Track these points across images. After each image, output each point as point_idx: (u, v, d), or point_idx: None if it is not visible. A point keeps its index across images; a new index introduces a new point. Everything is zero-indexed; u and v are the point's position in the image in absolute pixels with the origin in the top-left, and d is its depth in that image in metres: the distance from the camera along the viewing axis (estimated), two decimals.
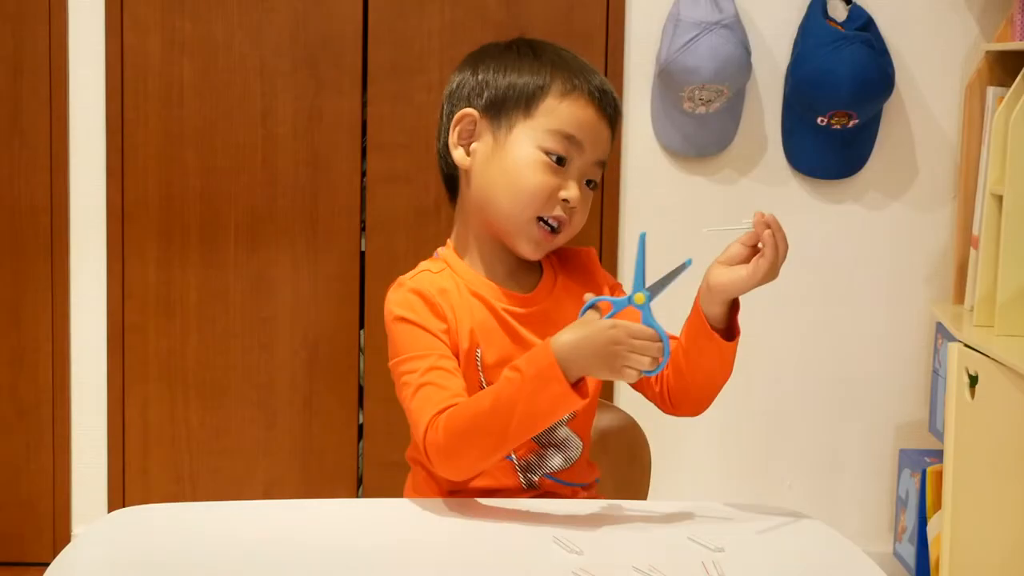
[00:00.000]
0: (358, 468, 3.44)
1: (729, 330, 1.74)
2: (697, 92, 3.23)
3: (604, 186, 3.32)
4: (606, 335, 1.61)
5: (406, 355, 1.77)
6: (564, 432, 1.81)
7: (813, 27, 3.27)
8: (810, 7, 3.30)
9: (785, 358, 3.45)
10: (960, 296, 3.25)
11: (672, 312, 1.82)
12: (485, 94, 1.83)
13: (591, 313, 1.64)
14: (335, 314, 3.39)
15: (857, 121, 3.29)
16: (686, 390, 1.79)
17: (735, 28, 3.22)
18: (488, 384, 1.76)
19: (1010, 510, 2.78)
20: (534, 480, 1.80)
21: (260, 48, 3.33)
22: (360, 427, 3.43)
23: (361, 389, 3.42)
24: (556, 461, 1.81)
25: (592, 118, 1.80)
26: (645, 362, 1.61)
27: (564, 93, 1.80)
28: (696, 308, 1.73)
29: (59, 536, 3.40)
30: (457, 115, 1.84)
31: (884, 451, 3.47)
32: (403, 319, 1.80)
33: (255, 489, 3.41)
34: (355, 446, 3.43)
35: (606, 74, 3.33)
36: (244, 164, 3.35)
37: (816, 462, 3.48)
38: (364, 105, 3.35)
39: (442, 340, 1.77)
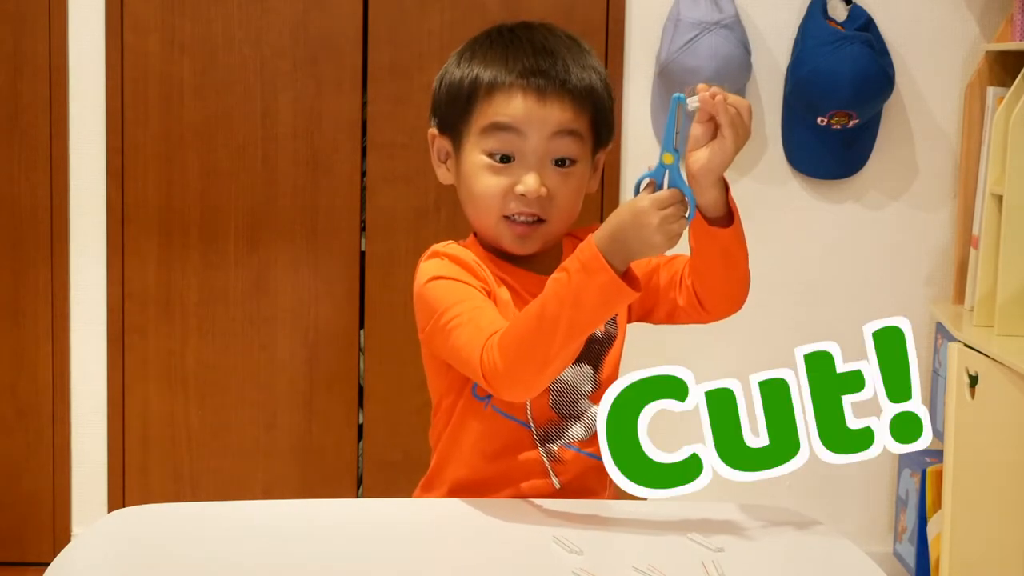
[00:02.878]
0: (358, 468, 3.44)
1: (729, 214, 1.73)
2: None
3: (604, 186, 3.32)
4: (634, 212, 1.59)
5: (444, 305, 1.73)
6: (585, 404, 1.80)
7: (813, 27, 3.27)
8: (810, 7, 3.30)
9: (784, 357, 3.45)
10: (960, 296, 3.25)
11: None
12: (437, 111, 1.84)
13: (641, 195, 1.62)
14: (335, 314, 3.39)
15: (857, 121, 3.29)
16: (712, 289, 1.82)
17: (735, 28, 3.22)
18: None
19: (1010, 510, 2.78)
20: (554, 450, 1.80)
21: (260, 48, 3.33)
22: (360, 427, 3.43)
23: (361, 389, 3.42)
24: (577, 431, 1.81)
25: (525, 104, 1.75)
26: (676, 226, 1.60)
27: (489, 89, 1.77)
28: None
29: (59, 536, 3.40)
30: (428, 135, 1.86)
31: (884, 451, 3.47)
32: (438, 277, 1.78)
33: (255, 489, 3.41)
34: (355, 446, 3.43)
35: None
36: (244, 164, 3.35)
37: (816, 462, 3.47)
38: (364, 105, 3.35)
39: (482, 293, 1.75)
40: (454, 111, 1.80)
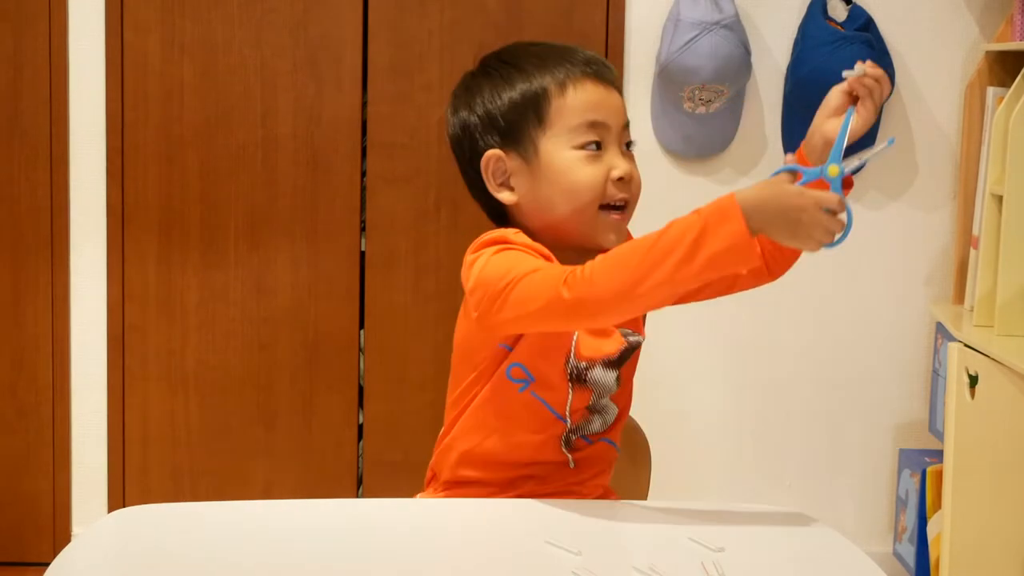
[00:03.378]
0: (358, 468, 3.44)
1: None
2: (697, 92, 3.23)
3: None
4: (795, 200, 1.60)
5: (509, 266, 1.71)
6: (605, 401, 1.83)
7: (813, 27, 3.27)
8: (810, 7, 3.30)
9: (785, 358, 3.45)
10: (960, 296, 3.25)
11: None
12: (495, 127, 1.83)
13: (782, 176, 1.64)
14: (335, 314, 3.39)
15: None
16: (783, 250, 1.87)
17: (735, 28, 3.22)
18: (576, 356, 1.78)
19: (1010, 510, 2.78)
20: (572, 440, 1.82)
21: (260, 48, 3.33)
22: (360, 427, 3.43)
23: (361, 389, 3.42)
24: (595, 425, 1.84)
25: (599, 93, 1.81)
26: (829, 234, 1.62)
27: (563, 87, 1.80)
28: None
29: (59, 536, 3.40)
30: (483, 162, 1.83)
31: (884, 451, 3.47)
32: (498, 245, 1.75)
33: (255, 489, 3.41)
34: (355, 446, 3.43)
35: None
36: (244, 164, 3.35)
37: (816, 462, 3.48)
38: (364, 105, 3.35)
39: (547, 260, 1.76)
40: (525, 124, 1.80)
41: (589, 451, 1.84)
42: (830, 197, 1.62)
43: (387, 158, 3.34)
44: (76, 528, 3.43)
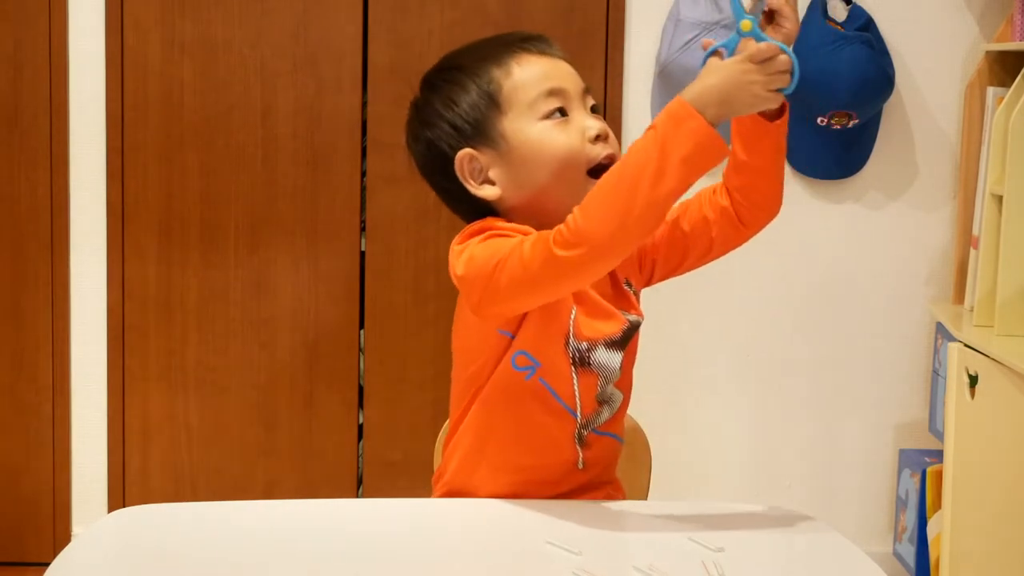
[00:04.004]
0: (358, 468, 3.44)
1: (778, 111, 1.77)
2: None
3: None
4: (735, 69, 1.61)
5: (498, 249, 1.70)
6: (611, 389, 1.82)
7: (813, 27, 3.27)
8: (810, 7, 3.30)
9: (785, 357, 3.45)
10: (960, 296, 3.25)
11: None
12: (459, 130, 1.83)
13: (712, 60, 1.64)
14: (335, 314, 3.39)
15: (857, 121, 3.29)
16: (761, 194, 1.82)
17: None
18: (576, 336, 1.76)
19: (1010, 510, 2.78)
20: (584, 435, 1.81)
21: (260, 48, 3.33)
22: (360, 427, 3.43)
23: (361, 389, 3.42)
24: (604, 414, 1.82)
25: (545, 63, 1.81)
26: (781, 80, 1.63)
27: (509, 69, 1.80)
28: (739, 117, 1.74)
29: (59, 536, 3.40)
30: (456, 165, 1.82)
31: (884, 451, 3.47)
32: (484, 233, 1.75)
33: (255, 489, 3.41)
34: (355, 446, 3.43)
35: (606, 74, 3.34)
36: (244, 164, 3.35)
37: (816, 462, 3.48)
38: (364, 105, 3.35)
39: None
40: (486, 115, 1.80)
41: (597, 447, 1.82)
42: (759, 49, 1.62)
43: (387, 158, 3.34)
44: (76, 528, 3.43)
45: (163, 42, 3.32)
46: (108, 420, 3.40)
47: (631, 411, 2.11)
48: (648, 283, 1.92)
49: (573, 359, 1.77)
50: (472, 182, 1.82)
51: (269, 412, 3.41)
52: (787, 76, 1.63)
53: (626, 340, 1.81)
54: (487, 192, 1.81)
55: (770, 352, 3.45)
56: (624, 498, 1.90)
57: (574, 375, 1.77)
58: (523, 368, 1.77)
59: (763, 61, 1.62)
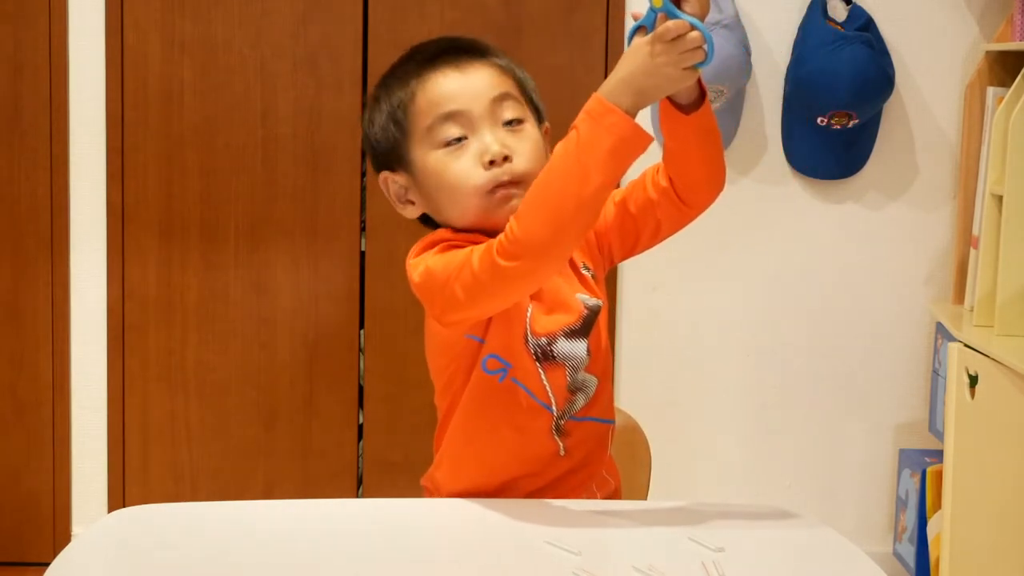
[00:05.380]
0: (358, 468, 3.44)
1: (700, 96, 1.74)
2: None
3: None
4: (644, 53, 1.60)
5: (451, 261, 1.71)
6: (582, 376, 1.81)
7: (813, 27, 3.27)
8: (810, 7, 3.30)
9: (785, 358, 3.45)
10: (960, 296, 3.25)
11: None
12: (376, 152, 1.84)
13: (634, 41, 1.62)
14: (335, 314, 3.39)
15: (857, 121, 3.29)
16: (694, 178, 1.80)
17: (735, 28, 3.22)
18: (533, 333, 1.77)
19: (1010, 510, 2.78)
20: (561, 424, 1.81)
21: (260, 48, 3.33)
22: (360, 427, 3.43)
23: (361, 389, 3.42)
24: (579, 401, 1.82)
25: (449, 83, 1.77)
26: (695, 56, 1.61)
27: (414, 93, 1.78)
28: (662, 103, 1.73)
29: (59, 536, 3.40)
30: (380, 184, 1.84)
31: (884, 451, 3.47)
32: (437, 245, 1.76)
33: (255, 489, 3.41)
34: (355, 446, 3.43)
35: (606, 74, 3.33)
36: (244, 164, 3.35)
37: (816, 462, 3.48)
38: (364, 105, 3.35)
39: None
40: (396, 139, 1.80)
41: (577, 433, 1.82)
42: (665, 28, 1.59)
43: None
44: (76, 528, 3.43)
45: (163, 42, 3.32)
46: (108, 420, 3.40)
47: (631, 411, 2.11)
48: (611, 265, 1.92)
49: (536, 355, 1.77)
50: (396, 202, 1.84)
51: (269, 412, 3.41)
52: (700, 52, 1.60)
53: (588, 326, 1.81)
54: (409, 212, 1.83)
55: (770, 352, 3.45)
56: (619, 483, 1.91)
57: (541, 371, 1.78)
58: (495, 371, 1.78)
59: (673, 39, 1.59)
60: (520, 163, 1.76)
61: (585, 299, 1.81)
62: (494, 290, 1.67)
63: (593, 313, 1.81)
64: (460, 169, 1.75)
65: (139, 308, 3.37)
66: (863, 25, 3.27)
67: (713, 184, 1.82)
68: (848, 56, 3.21)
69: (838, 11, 3.30)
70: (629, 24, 3.34)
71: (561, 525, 1.65)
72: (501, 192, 1.75)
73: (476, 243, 1.72)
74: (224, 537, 1.61)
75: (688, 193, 1.81)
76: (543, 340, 1.77)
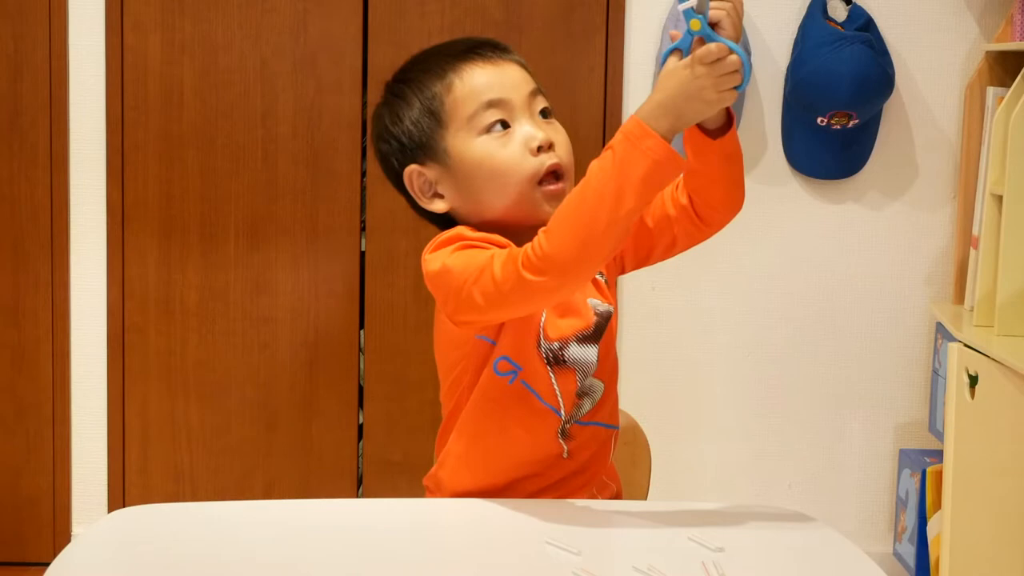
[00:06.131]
0: (358, 468, 3.44)
1: (728, 121, 1.73)
2: None
3: None
4: (683, 76, 1.60)
5: (468, 264, 1.70)
6: (590, 381, 1.81)
7: (813, 27, 3.27)
8: (810, 7, 3.30)
9: (785, 357, 3.45)
10: (960, 296, 3.25)
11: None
12: (405, 146, 1.83)
13: (670, 60, 1.63)
14: (335, 314, 3.39)
15: (857, 121, 3.29)
16: (715, 199, 1.80)
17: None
18: (546, 338, 1.77)
19: (1010, 510, 2.78)
20: (567, 428, 1.81)
21: (260, 48, 3.33)
22: (360, 427, 3.43)
23: (361, 389, 3.42)
24: (585, 406, 1.82)
25: (487, 73, 1.79)
26: (733, 79, 1.60)
27: (449, 83, 1.79)
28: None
29: (59, 536, 3.40)
30: (405, 181, 1.84)
31: (884, 451, 3.47)
32: (455, 244, 1.75)
33: (255, 489, 3.41)
34: (355, 446, 3.43)
35: (606, 74, 3.34)
36: (244, 164, 3.35)
37: (816, 462, 3.48)
38: (364, 105, 3.35)
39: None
40: (430, 131, 1.80)
41: (581, 438, 1.82)
42: (707, 50, 1.59)
43: None
44: (76, 528, 3.43)
45: (163, 42, 3.32)
46: (108, 420, 3.40)
47: (631, 411, 2.11)
48: (621, 272, 1.93)
49: (547, 359, 1.77)
50: (422, 197, 1.84)
51: (269, 412, 3.41)
52: (738, 75, 1.60)
53: (599, 332, 1.81)
54: (437, 206, 1.83)
55: (770, 352, 3.45)
56: (620, 487, 1.91)
57: (552, 375, 1.78)
58: (505, 373, 1.78)
59: (713, 62, 1.59)
60: (562, 152, 1.78)
61: (597, 304, 1.81)
62: (515, 301, 1.67)
63: (604, 319, 1.82)
64: (509, 155, 1.76)
65: (139, 308, 3.37)
66: (863, 25, 3.27)
67: (732, 205, 1.83)
68: (848, 56, 3.21)
69: (838, 11, 3.30)
70: (629, 28, 3.35)
71: (561, 525, 1.65)
72: (551, 187, 1.76)
73: (494, 244, 1.73)
74: (224, 537, 1.61)
75: (707, 212, 1.82)
76: (555, 345, 1.77)
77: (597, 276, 1.83)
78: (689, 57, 1.61)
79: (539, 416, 1.79)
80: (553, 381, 1.78)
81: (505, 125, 1.77)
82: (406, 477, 3.37)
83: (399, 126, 1.83)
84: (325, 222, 3.37)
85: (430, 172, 1.82)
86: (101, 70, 3.32)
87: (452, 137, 1.79)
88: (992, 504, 2.79)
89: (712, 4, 1.61)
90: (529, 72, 1.83)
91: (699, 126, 1.71)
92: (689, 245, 1.88)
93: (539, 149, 1.76)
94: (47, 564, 1.55)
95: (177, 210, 3.36)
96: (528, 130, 1.77)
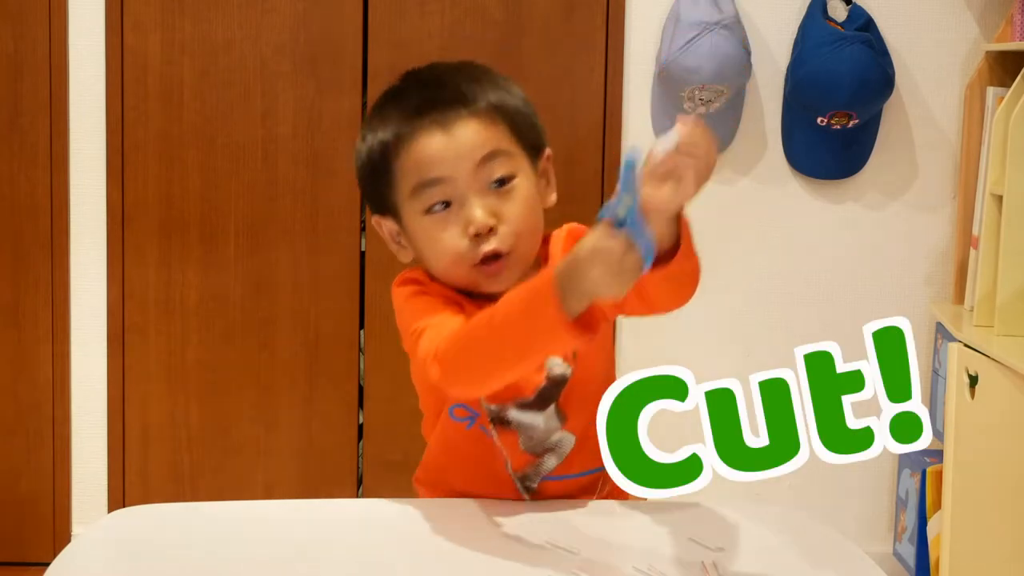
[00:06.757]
0: (358, 468, 3.44)
1: (679, 245, 1.58)
2: (697, 92, 3.23)
3: (604, 187, 3.32)
4: (595, 248, 1.44)
5: (417, 319, 1.66)
6: (558, 436, 1.75)
7: (813, 27, 3.27)
8: (810, 7, 3.30)
9: (785, 357, 3.45)
10: (960, 296, 3.25)
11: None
12: (366, 196, 1.77)
13: (602, 227, 1.45)
14: (335, 314, 3.39)
15: (857, 121, 3.29)
16: (657, 296, 1.68)
17: (735, 28, 3.22)
18: (486, 399, 1.72)
19: (1010, 510, 2.78)
20: (532, 487, 1.77)
21: (260, 48, 3.33)
22: (360, 427, 3.43)
23: (361, 389, 3.42)
24: (551, 463, 1.76)
25: (432, 144, 1.66)
26: (631, 272, 1.47)
27: (396, 145, 1.67)
28: None
29: (59, 536, 3.40)
30: (374, 223, 1.77)
31: (884, 451, 3.47)
32: (415, 295, 1.70)
33: (255, 489, 3.41)
34: (355, 446, 3.43)
35: (606, 74, 3.34)
36: (244, 164, 3.35)
37: (816, 462, 3.47)
38: (364, 105, 3.35)
39: (452, 306, 1.68)
40: (380, 187, 1.72)
41: (555, 490, 1.76)
42: (609, 248, 1.44)
43: None
44: (76, 528, 3.43)
45: (163, 42, 3.32)
46: (108, 420, 3.40)
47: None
48: None
49: (491, 417, 1.73)
50: (391, 243, 1.76)
51: (269, 412, 3.41)
52: (638, 272, 1.47)
53: (545, 398, 1.72)
54: (403, 257, 1.76)
55: (770, 352, 3.45)
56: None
57: (494, 432, 1.74)
58: (462, 419, 1.75)
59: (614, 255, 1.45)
60: (508, 231, 1.66)
61: (553, 366, 1.70)
62: (426, 384, 1.67)
63: (555, 383, 1.72)
64: (448, 239, 1.66)
65: (139, 308, 3.37)
66: (863, 25, 3.27)
67: (682, 300, 1.71)
68: (848, 56, 3.21)
69: (838, 11, 3.31)
70: (629, 28, 3.35)
71: (561, 525, 1.65)
72: (489, 267, 1.67)
73: (447, 297, 1.68)
74: (224, 537, 1.61)
75: (654, 301, 1.70)
76: (494, 406, 1.71)
77: None
78: (611, 240, 1.44)
79: (497, 459, 1.75)
80: (496, 440, 1.74)
81: (446, 204, 1.66)
82: (406, 477, 3.35)
83: (359, 166, 1.75)
84: (325, 222, 3.37)
85: (389, 224, 1.74)
86: (101, 70, 3.32)
87: (401, 200, 1.70)
88: (992, 504, 2.79)
89: (679, 147, 1.42)
90: (502, 116, 1.69)
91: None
92: (637, 315, 1.76)
93: (476, 237, 1.65)
94: (47, 564, 1.55)
95: (177, 210, 3.36)
96: (470, 213, 1.65)
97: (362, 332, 3.40)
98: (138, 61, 3.32)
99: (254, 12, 3.32)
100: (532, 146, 1.73)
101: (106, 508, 3.41)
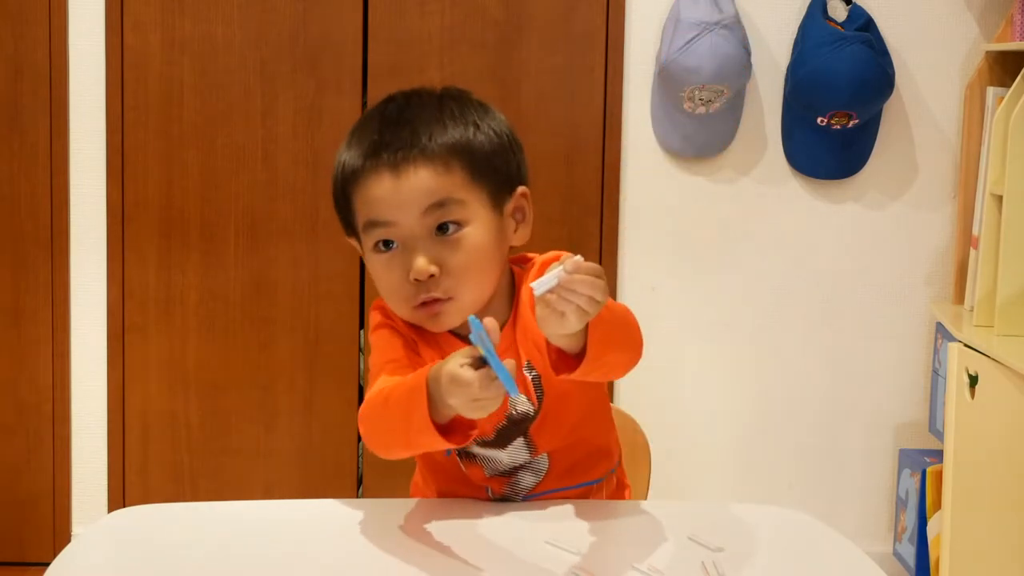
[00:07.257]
0: (358, 468, 3.44)
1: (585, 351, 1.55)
2: (697, 92, 3.23)
3: (604, 187, 3.32)
4: (454, 377, 1.47)
5: (375, 354, 1.72)
6: (528, 459, 1.74)
7: (813, 27, 3.27)
8: (810, 7, 3.30)
9: (784, 357, 3.45)
10: (960, 296, 3.25)
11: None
12: (337, 211, 1.77)
13: (463, 353, 1.48)
14: (335, 314, 3.39)
15: (857, 121, 3.29)
16: (597, 375, 1.65)
17: (735, 28, 3.22)
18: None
19: (1010, 510, 2.78)
20: (516, 502, 1.76)
21: (260, 48, 3.33)
22: None
23: (361, 389, 3.42)
24: (526, 481, 1.76)
25: (380, 186, 1.65)
26: (489, 405, 1.47)
27: (352, 177, 1.69)
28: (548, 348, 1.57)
29: (59, 536, 3.40)
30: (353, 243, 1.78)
31: (884, 451, 3.47)
32: (378, 327, 1.74)
33: (255, 489, 3.41)
34: (355, 446, 3.43)
35: (606, 74, 3.34)
36: (244, 164, 3.35)
37: (816, 462, 3.48)
38: (364, 105, 3.35)
39: (408, 350, 1.70)
40: (343, 211, 1.74)
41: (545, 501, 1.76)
42: (467, 382, 1.45)
43: None
44: (76, 528, 3.43)
45: (163, 42, 3.32)
46: (108, 420, 3.40)
47: (631, 411, 2.11)
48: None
49: (456, 451, 1.73)
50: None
51: (269, 412, 3.41)
52: (497, 401, 1.47)
53: (505, 437, 1.72)
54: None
55: (770, 352, 3.45)
56: (630, 491, 1.90)
57: (461, 464, 1.75)
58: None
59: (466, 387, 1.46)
60: (450, 282, 1.64)
61: (516, 403, 1.70)
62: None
63: (516, 424, 1.71)
64: (390, 280, 1.67)
65: (139, 308, 3.37)
66: (863, 25, 3.27)
67: (623, 371, 1.69)
68: (848, 56, 3.21)
69: (838, 11, 3.31)
70: (629, 28, 3.35)
71: (561, 525, 1.65)
72: (429, 309, 1.66)
73: (399, 332, 1.71)
74: (224, 537, 1.61)
75: (599, 376, 1.66)
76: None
77: (524, 372, 1.69)
78: (471, 373, 1.45)
79: (474, 480, 1.77)
80: (463, 469, 1.75)
81: (388, 245, 1.67)
82: (406, 477, 3.36)
83: (335, 198, 1.76)
84: (325, 222, 3.37)
85: (356, 245, 1.77)
86: (101, 70, 3.32)
87: (360, 231, 1.72)
88: (992, 504, 2.79)
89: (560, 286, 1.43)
90: (462, 160, 1.66)
91: (557, 349, 1.54)
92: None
93: (416, 283, 1.65)
94: (47, 564, 1.55)
95: (177, 210, 3.36)
96: (412, 261, 1.64)
97: (362, 332, 3.40)
98: (138, 61, 3.32)
99: (254, 12, 3.32)
100: (498, 187, 1.69)
101: (106, 508, 3.41)
